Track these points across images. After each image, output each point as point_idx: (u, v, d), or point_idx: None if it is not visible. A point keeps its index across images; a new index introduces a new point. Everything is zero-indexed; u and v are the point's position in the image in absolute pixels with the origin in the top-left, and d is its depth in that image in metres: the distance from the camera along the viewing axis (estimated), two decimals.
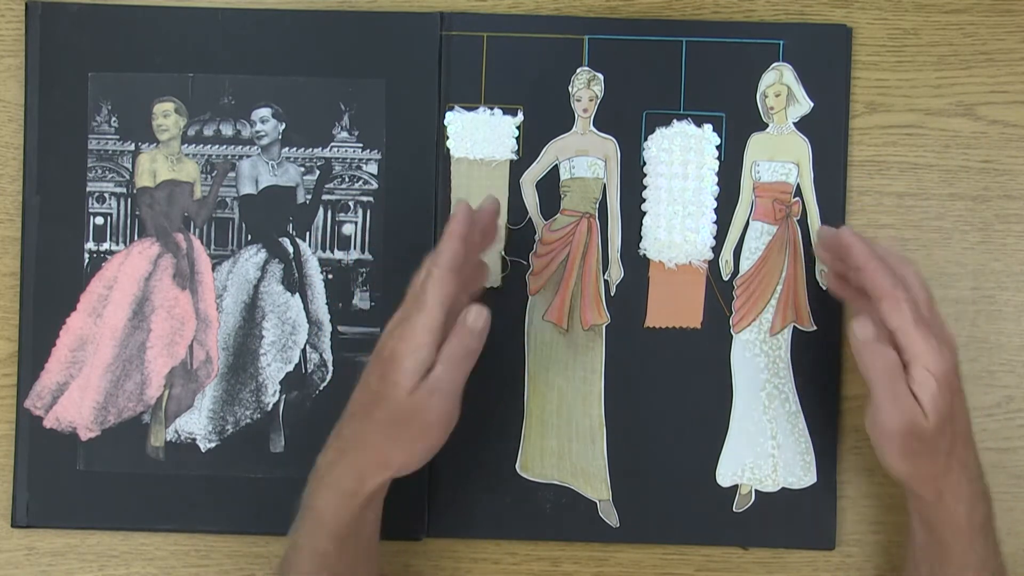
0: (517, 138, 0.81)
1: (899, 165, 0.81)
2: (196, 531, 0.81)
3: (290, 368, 0.81)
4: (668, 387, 0.80)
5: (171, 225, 0.82)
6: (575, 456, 0.80)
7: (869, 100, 0.81)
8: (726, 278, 0.80)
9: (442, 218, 0.80)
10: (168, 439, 0.81)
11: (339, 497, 0.69)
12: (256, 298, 0.81)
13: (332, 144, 0.81)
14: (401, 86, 0.81)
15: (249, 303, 0.81)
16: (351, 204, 0.81)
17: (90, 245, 0.81)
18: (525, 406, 0.80)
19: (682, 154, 0.80)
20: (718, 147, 0.80)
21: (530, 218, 0.81)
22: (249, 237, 0.81)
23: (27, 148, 0.81)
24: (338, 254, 0.81)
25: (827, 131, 0.80)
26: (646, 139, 0.80)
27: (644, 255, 0.80)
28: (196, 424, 0.81)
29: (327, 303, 0.81)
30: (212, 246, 0.81)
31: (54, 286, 0.81)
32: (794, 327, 0.80)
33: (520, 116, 0.81)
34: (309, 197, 0.81)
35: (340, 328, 0.81)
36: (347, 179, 0.81)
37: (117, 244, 0.81)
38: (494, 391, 0.80)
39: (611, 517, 0.80)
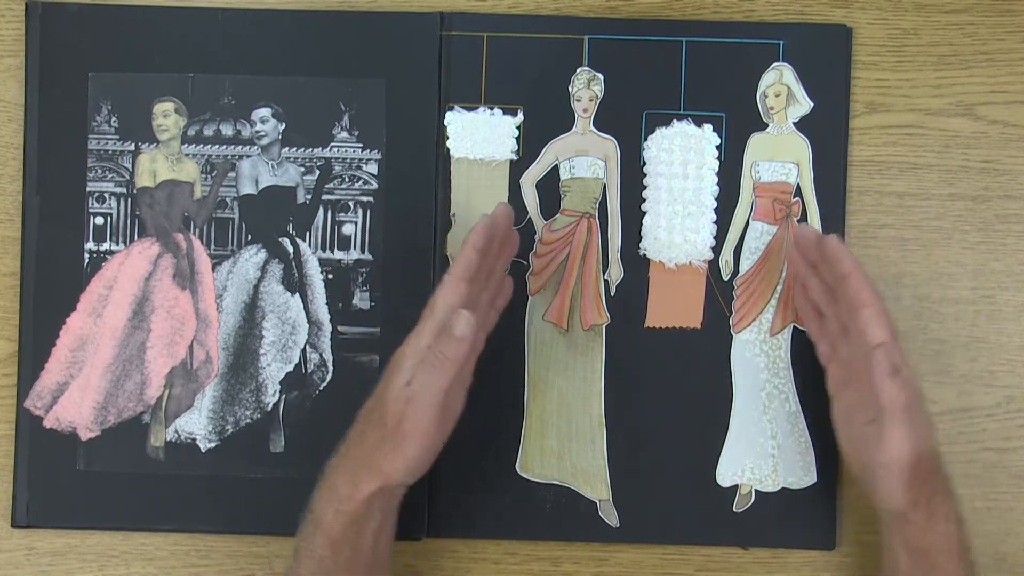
0: (517, 138, 0.81)
1: (899, 165, 0.81)
2: (196, 531, 0.81)
3: (290, 368, 0.81)
4: (668, 387, 0.80)
5: (171, 225, 0.82)
6: (575, 456, 0.80)
7: (869, 100, 0.81)
8: (726, 278, 0.80)
9: (442, 218, 0.80)
10: (168, 439, 0.81)
11: (336, 501, 0.69)
12: (256, 298, 0.81)
13: (332, 144, 0.81)
14: (401, 86, 0.81)
15: (249, 303, 0.81)
16: (351, 204, 0.81)
17: (90, 245, 0.81)
18: (525, 406, 0.80)
19: (682, 154, 0.80)
20: (718, 147, 0.80)
21: (530, 218, 0.81)
22: (249, 237, 0.81)
23: (27, 148, 0.81)
24: (338, 254, 0.81)
25: (827, 131, 0.80)
26: (646, 139, 0.80)
27: (644, 255, 0.80)
28: (196, 424, 0.81)
29: (327, 303, 0.81)
30: (212, 246, 0.81)
31: (54, 286, 0.81)
32: (794, 327, 0.80)
33: (520, 116, 0.81)
34: (309, 197, 0.81)
35: (340, 328, 0.81)
36: (347, 179, 0.81)
37: (117, 244, 0.81)
38: (494, 391, 0.79)
39: (611, 517, 0.80)
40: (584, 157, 0.81)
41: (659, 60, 0.80)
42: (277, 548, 0.81)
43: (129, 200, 0.82)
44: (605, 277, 0.81)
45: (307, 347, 0.81)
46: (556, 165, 0.81)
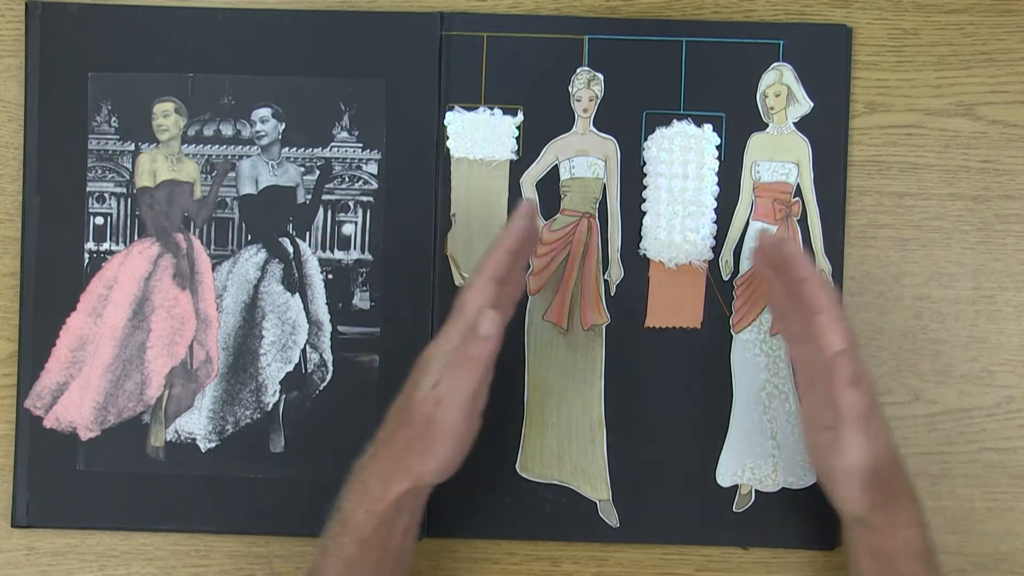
0: (517, 138, 0.81)
1: (899, 165, 0.81)
2: (196, 531, 0.81)
3: (290, 368, 0.81)
4: (668, 387, 0.80)
5: (171, 225, 0.82)
6: (575, 456, 0.80)
7: (869, 100, 0.81)
8: (726, 278, 0.80)
9: (442, 218, 0.80)
10: (168, 439, 0.81)
11: (367, 501, 0.68)
12: (256, 298, 0.81)
13: (332, 144, 0.81)
14: (401, 86, 0.81)
15: (249, 303, 0.81)
16: (351, 204, 0.81)
17: (90, 245, 0.81)
18: (525, 406, 0.80)
19: (682, 154, 0.80)
20: (718, 147, 0.80)
21: None
22: (249, 237, 0.81)
23: (27, 148, 0.81)
24: (338, 254, 0.81)
25: (827, 131, 0.80)
26: (646, 139, 0.80)
27: (644, 255, 0.80)
28: (196, 424, 0.81)
29: (327, 303, 0.81)
30: (212, 246, 0.81)
31: (54, 286, 0.81)
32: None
33: (520, 116, 0.81)
34: (309, 197, 0.81)
35: (340, 328, 0.81)
36: (347, 179, 0.81)
37: (117, 244, 0.81)
38: (494, 391, 0.79)
39: (611, 517, 0.80)
40: (584, 157, 0.81)
41: (659, 60, 0.80)
42: (277, 548, 0.81)
43: (129, 200, 0.82)
44: (605, 277, 0.81)
45: (307, 347, 0.81)
46: (556, 165, 0.81)
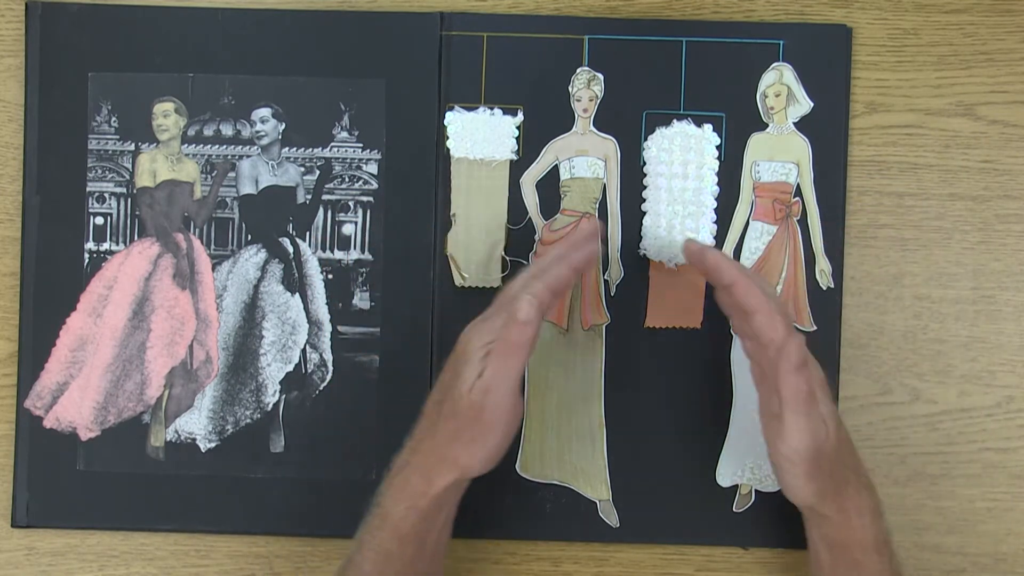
0: (517, 138, 0.81)
1: (899, 165, 0.81)
2: (196, 531, 0.81)
3: (290, 368, 0.81)
4: (668, 387, 0.80)
5: (171, 225, 0.82)
6: (575, 456, 0.80)
7: (869, 100, 0.81)
8: None
9: (442, 218, 0.80)
10: (168, 439, 0.81)
11: (408, 497, 0.68)
12: (256, 298, 0.81)
13: (332, 144, 0.81)
14: (401, 86, 0.81)
15: (249, 303, 0.81)
16: (351, 204, 0.81)
17: (90, 245, 0.81)
18: (525, 406, 0.80)
19: (682, 154, 0.80)
20: (718, 147, 0.80)
21: (530, 218, 0.81)
22: (249, 237, 0.81)
23: (27, 148, 0.81)
24: (338, 254, 0.81)
25: (827, 131, 0.80)
26: (646, 139, 0.80)
27: (644, 255, 0.80)
28: (196, 424, 0.81)
29: (327, 303, 0.81)
30: (212, 246, 0.81)
31: (54, 286, 0.81)
32: (794, 327, 0.80)
33: (520, 116, 0.81)
34: (309, 197, 0.81)
35: (340, 328, 0.81)
36: (347, 179, 0.81)
37: (117, 244, 0.81)
38: None
39: (611, 517, 0.80)
40: (584, 157, 0.81)
41: (659, 60, 0.80)
42: (277, 548, 0.81)
43: (129, 200, 0.82)
44: (605, 277, 0.81)
45: (307, 347, 0.81)
46: (556, 165, 0.81)
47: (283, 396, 0.81)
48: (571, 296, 0.81)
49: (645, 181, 0.80)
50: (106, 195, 0.81)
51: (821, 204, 0.80)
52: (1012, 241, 0.81)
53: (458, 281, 0.80)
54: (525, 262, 0.80)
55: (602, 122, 0.81)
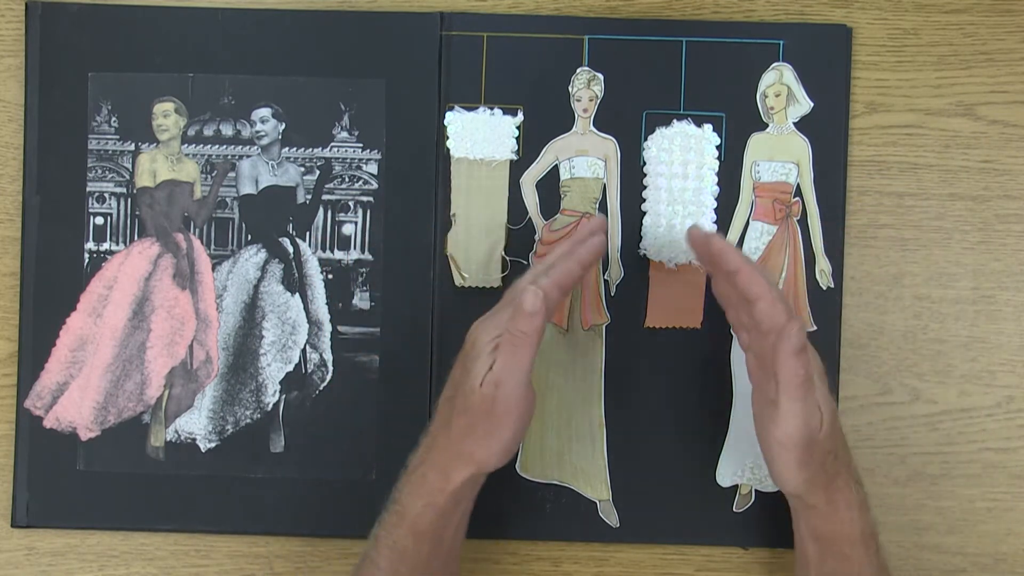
0: (517, 138, 0.81)
1: (899, 165, 0.81)
2: (196, 531, 0.81)
3: (290, 368, 0.81)
4: (668, 387, 0.80)
5: (171, 225, 0.82)
6: (575, 456, 0.80)
7: (869, 100, 0.81)
8: None
9: (442, 218, 0.80)
10: (168, 439, 0.81)
11: (426, 494, 0.69)
12: (256, 298, 0.81)
13: (332, 144, 0.81)
14: (401, 86, 0.81)
15: (249, 303, 0.81)
16: (351, 204, 0.81)
17: (90, 245, 0.81)
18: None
19: (682, 154, 0.80)
20: (718, 147, 0.80)
21: (530, 218, 0.81)
22: (249, 237, 0.81)
23: (27, 148, 0.81)
24: (338, 254, 0.81)
25: (827, 131, 0.80)
26: (646, 139, 0.80)
27: (644, 255, 0.80)
28: (196, 424, 0.81)
29: (327, 303, 0.81)
30: (212, 246, 0.81)
31: (54, 286, 0.81)
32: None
33: (520, 116, 0.81)
34: (309, 197, 0.81)
35: (340, 328, 0.81)
36: (347, 179, 0.81)
37: (117, 244, 0.81)
38: None
39: (611, 517, 0.80)
40: (584, 157, 0.81)
41: (659, 60, 0.80)
42: (277, 548, 0.81)
43: (129, 200, 0.82)
44: (605, 277, 0.81)
45: (307, 347, 0.81)
46: (556, 165, 0.81)
47: (283, 396, 0.81)
48: (571, 296, 0.81)
49: (645, 181, 0.80)
50: (106, 195, 0.81)
51: (821, 204, 0.80)
52: (1012, 241, 0.81)
53: (458, 281, 0.80)
54: (525, 262, 0.80)
55: (602, 122, 0.81)
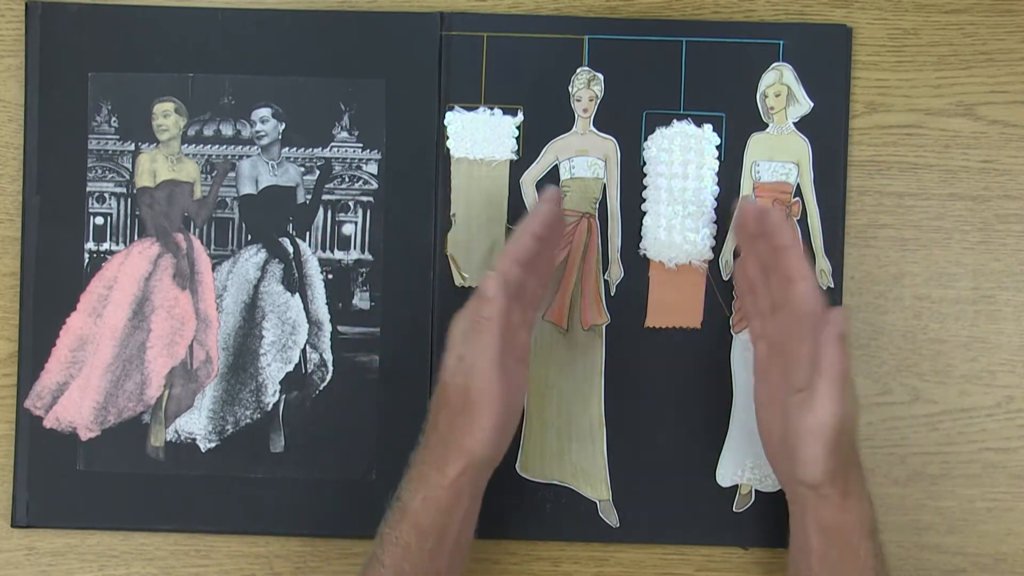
0: (517, 138, 0.81)
1: (899, 165, 0.81)
2: (196, 531, 0.81)
3: (290, 368, 0.81)
4: (668, 387, 0.80)
5: (171, 225, 0.82)
6: (575, 456, 0.80)
7: (869, 100, 0.81)
8: (726, 278, 0.80)
9: (442, 218, 0.80)
10: (168, 439, 0.81)
11: (425, 489, 0.69)
12: (256, 298, 0.81)
13: (332, 144, 0.81)
14: (401, 86, 0.81)
15: (249, 303, 0.81)
16: (351, 204, 0.81)
17: (90, 245, 0.81)
18: (525, 406, 0.80)
19: (682, 154, 0.80)
20: (718, 147, 0.80)
21: None
22: (249, 237, 0.81)
23: (27, 148, 0.81)
24: (338, 254, 0.81)
25: (827, 131, 0.80)
26: (646, 139, 0.80)
27: (644, 255, 0.80)
28: (196, 424, 0.81)
29: (327, 303, 0.81)
30: (212, 246, 0.81)
31: (54, 286, 0.81)
32: None
33: (520, 116, 0.81)
34: (309, 197, 0.81)
35: (340, 328, 0.81)
36: (347, 179, 0.81)
37: (117, 244, 0.81)
38: None
39: (611, 517, 0.80)
40: (584, 157, 0.81)
41: (659, 60, 0.80)
42: (277, 548, 0.81)
43: (129, 200, 0.82)
44: (605, 277, 0.81)
45: (307, 347, 0.81)
46: (556, 165, 0.81)
47: (283, 396, 0.81)
48: (571, 296, 0.81)
49: (645, 181, 0.80)
50: (106, 195, 0.81)
51: (821, 204, 0.80)
52: (1012, 241, 0.81)
53: (458, 281, 0.80)
54: None
55: (602, 122, 0.81)
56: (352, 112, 0.81)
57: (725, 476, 0.80)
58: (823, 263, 0.80)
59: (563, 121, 0.81)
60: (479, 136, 0.80)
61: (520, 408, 0.72)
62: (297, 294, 0.81)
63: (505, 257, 0.69)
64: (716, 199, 0.80)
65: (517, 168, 0.81)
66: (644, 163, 0.80)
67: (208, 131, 0.81)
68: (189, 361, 0.81)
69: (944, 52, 0.81)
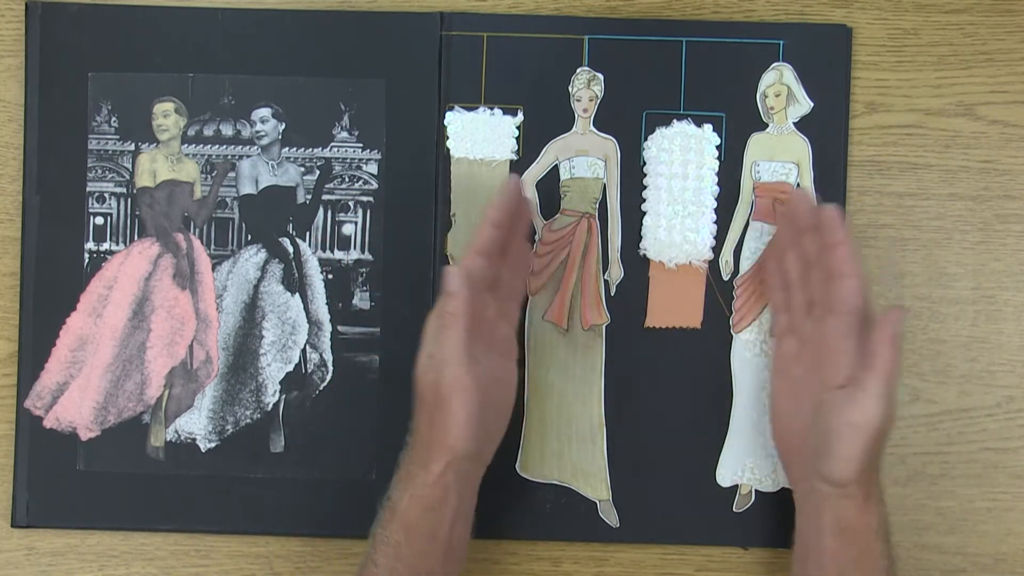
0: (517, 138, 0.81)
1: (899, 165, 0.81)
2: (196, 531, 0.81)
3: (290, 368, 0.81)
4: (668, 387, 0.80)
5: (171, 225, 0.82)
6: (575, 456, 0.80)
7: (869, 100, 0.81)
8: (726, 278, 0.80)
9: (442, 218, 0.80)
10: (168, 439, 0.81)
11: (410, 487, 0.69)
12: (256, 298, 0.81)
13: (332, 144, 0.81)
14: (401, 86, 0.81)
15: (249, 303, 0.81)
16: (351, 204, 0.81)
17: (90, 245, 0.81)
18: (525, 406, 0.80)
19: (682, 154, 0.80)
20: (718, 147, 0.80)
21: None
22: (249, 237, 0.81)
23: (27, 148, 0.81)
24: (338, 254, 0.81)
25: (827, 131, 0.80)
26: (646, 139, 0.80)
27: (644, 255, 0.80)
28: (196, 424, 0.81)
29: (327, 303, 0.81)
30: (212, 246, 0.81)
31: (54, 286, 0.81)
32: None
33: (520, 116, 0.81)
34: (309, 197, 0.81)
35: (340, 328, 0.81)
36: (347, 179, 0.81)
37: (117, 244, 0.81)
38: None
39: (611, 517, 0.80)
40: (584, 157, 0.81)
41: (659, 60, 0.80)
42: (277, 548, 0.81)
43: (129, 200, 0.82)
44: (605, 277, 0.81)
45: (307, 347, 0.81)
46: (556, 165, 0.81)
47: (283, 396, 0.81)
48: (571, 296, 0.81)
49: (645, 181, 0.80)
50: (106, 195, 0.81)
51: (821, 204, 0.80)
52: (1012, 241, 0.81)
53: None
54: None
55: (602, 122, 0.81)
56: (352, 112, 0.81)
57: (725, 476, 0.80)
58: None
59: (563, 121, 0.81)
60: (479, 136, 0.80)
61: (506, 403, 0.73)
62: (297, 294, 0.81)
63: (467, 250, 0.70)
64: (716, 199, 0.80)
65: (517, 168, 0.81)
66: (644, 163, 0.80)
67: (208, 131, 0.81)
68: (189, 361, 0.81)
69: (944, 52, 0.81)
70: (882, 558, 0.69)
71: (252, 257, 0.81)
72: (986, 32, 0.81)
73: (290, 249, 0.81)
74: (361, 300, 0.81)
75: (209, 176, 0.81)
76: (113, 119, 0.81)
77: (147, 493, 0.81)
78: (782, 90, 0.80)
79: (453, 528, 0.70)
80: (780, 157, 0.80)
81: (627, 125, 0.81)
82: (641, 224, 0.80)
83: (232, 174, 0.81)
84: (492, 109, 0.80)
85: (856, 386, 0.68)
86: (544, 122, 0.81)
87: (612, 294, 0.80)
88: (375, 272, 0.81)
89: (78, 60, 0.81)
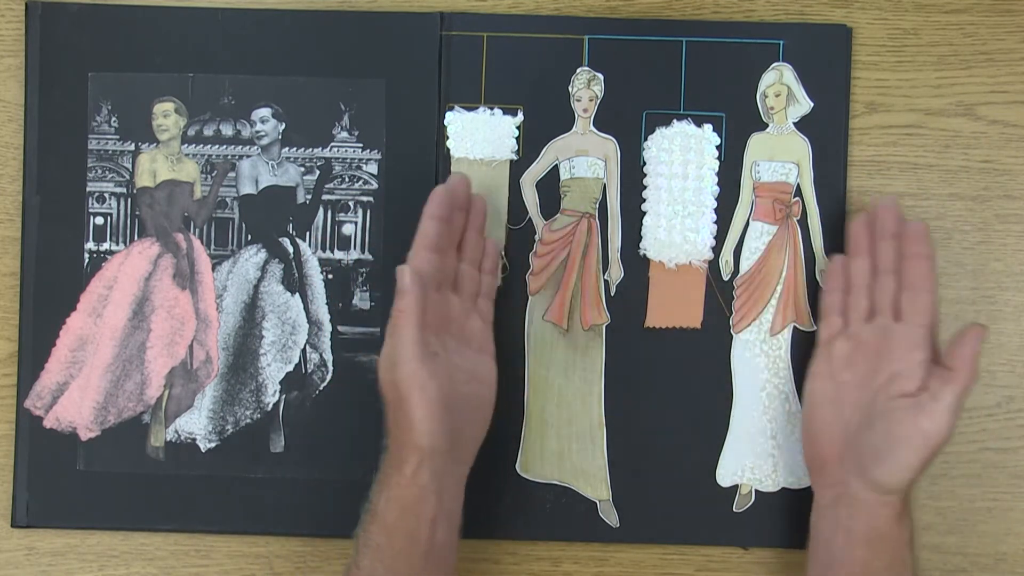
0: (517, 138, 0.81)
1: (899, 165, 0.81)
2: (196, 531, 0.81)
3: (290, 368, 0.81)
4: (668, 387, 0.80)
5: (171, 225, 0.82)
6: (575, 456, 0.80)
7: (869, 100, 0.81)
8: (726, 278, 0.80)
9: None
10: (168, 439, 0.81)
11: (386, 488, 0.70)
12: (256, 298, 0.81)
13: (332, 144, 0.81)
14: (401, 86, 0.81)
15: (249, 303, 0.81)
16: (351, 204, 0.81)
17: (90, 245, 0.81)
18: (525, 406, 0.80)
19: (682, 154, 0.80)
20: (718, 147, 0.80)
21: (530, 218, 0.81)
22: (249, 237, 0.81)
23: (27, 148, 0.81)
24: (338, 254, 0.81)
25: (827, 131, 0.80)
26: (646, 139, 0.80)
27: (644, 255, 0.80)
28: (196, 424, 0.81)
29: (327, 303, 0.81)
30: (212, 246, 0.81)
31: (54, 286, 0.81)
32: (794, 327, 0.80)
33: (520, 116, 0.81)
34: (309, 197, 0.81)
35: (340, 328, 0.81)
36: (347, 179, 0.81)
37: (117, 244, 0.81)
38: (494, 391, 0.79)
39: (611, 517, 0.80)
40: (584, 157, 0.81)
41: (659, 60, 0.80)
42: (277, 548, 0.81)
43: (129, 200, 0.82)
44: (605, 277, 0.81)
45: (307, 347, 0.81)
46: (556, 165, 0.81)
47: (283, 396, 0.81)
48: (571, 296, 0.81)
49: (645, 181, 0.80)
50: (106, 195, 0.81)
51: (821, 204, 0.80)
52: (1012, 241, 0.81)
53: None
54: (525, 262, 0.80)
55: (602, 122, 0.81)
56: (352, 112, 0.81)
57: (725, 476, 0.80)
58: (823, 263, 0.80)
59: (563, 121, 0.81)
60: (479, 136, 0.80)
61: (483, 398, 0.73)
62: (297, 294, 0.81)
63: (413, 247, 0.71)
64: (716, 199, 0.80)
65: (517, 168, 0.81)
66: (644, 163, 0.80)
67: (208, 131, 0.81)
68: (189, 361, 0.81)
69: (944, 52, 0.81)
70: (913, 569, 0.70)
71: (252, 257, 0.81)
72: (986, 32, 0.81)
73: (290, 249, 0.81)
74: (361, 300, 0.81)
75: (209, 176, 0.81)
76: (113, 119, 0.81)
77: (147, 493, 0.81)
78: (782, 90, 0.80)
79: (434, 529, 0.70)
80: (780, 157, 0.80)
81: (627, 125, 0.81)
82: (641, 224, 0.80)
83: (232, 174, 0.81)
84: (492, 109, 0.80)
85: (931, 396, 0.69)
86: (544, 122, 0.81)
87: (612, 294, 0.80)
88: (375, 272, 0.81)
89: (78, 60, 0.81)
